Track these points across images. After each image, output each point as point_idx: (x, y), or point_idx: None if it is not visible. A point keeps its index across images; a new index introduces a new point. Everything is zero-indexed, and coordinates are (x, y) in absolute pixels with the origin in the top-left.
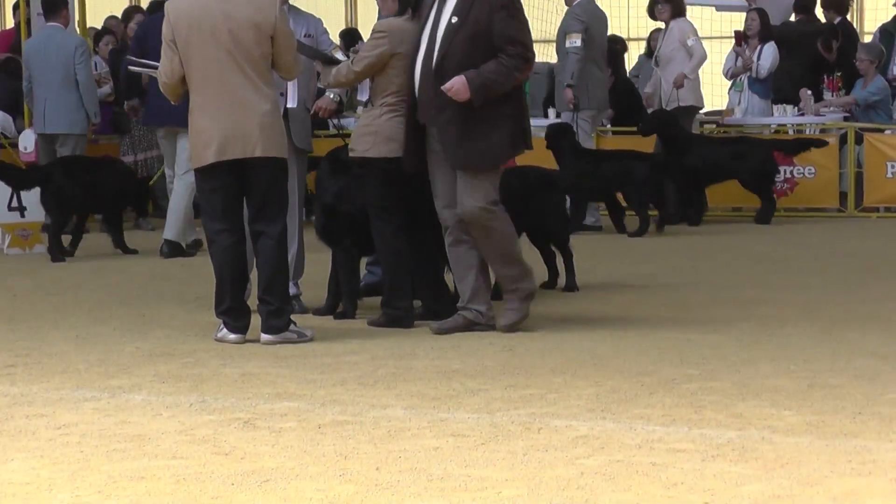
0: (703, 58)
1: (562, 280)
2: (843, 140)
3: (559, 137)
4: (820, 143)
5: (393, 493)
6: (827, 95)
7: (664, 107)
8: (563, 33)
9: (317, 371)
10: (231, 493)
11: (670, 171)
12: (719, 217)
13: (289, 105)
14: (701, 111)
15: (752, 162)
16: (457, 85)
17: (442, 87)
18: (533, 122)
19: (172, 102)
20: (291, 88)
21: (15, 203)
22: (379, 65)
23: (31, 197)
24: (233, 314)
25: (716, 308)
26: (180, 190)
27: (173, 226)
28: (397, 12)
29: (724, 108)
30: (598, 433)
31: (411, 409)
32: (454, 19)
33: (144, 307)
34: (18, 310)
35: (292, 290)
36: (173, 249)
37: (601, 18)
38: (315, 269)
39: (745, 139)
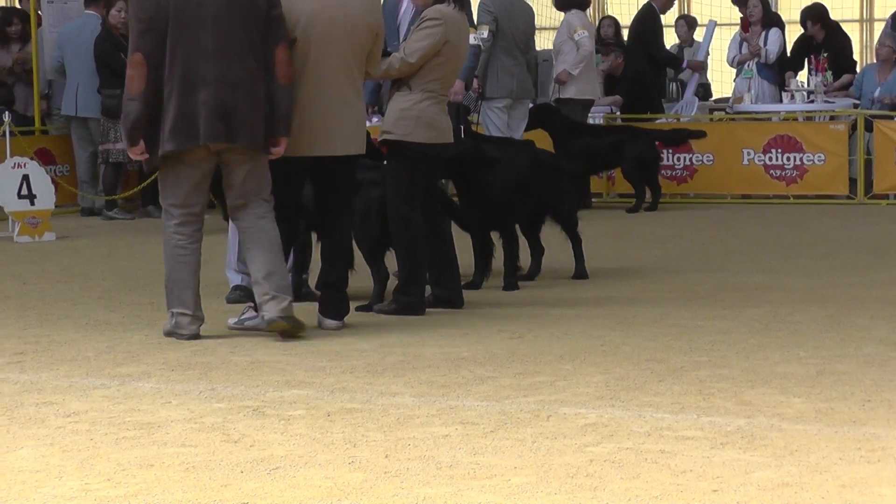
0: (588, 53)
1: (563, 265)
2: (852, 127)
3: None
4: (698, 135)
5: (402, 480)
6: (814, 76)
7: (549, 97)
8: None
9: (325, 359)
10: (240, 480)
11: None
12: (727, 203)
13: None
14: (710, 99)
15: (633, 151)
16: None
17: None
18: None
19: None
20: None
21: (25, 191)
22: (433, 54)
23: (41, 185)
24: None
25: (725, 294)
26: None
27: None
28: (436, 0)
29: (728, 95)
30: (607, 421)
31: (420, 397)
32: None
33: (153, 295)
34: (28, 297)
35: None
36: None
37: (517, 9)
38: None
39: (629, 128)
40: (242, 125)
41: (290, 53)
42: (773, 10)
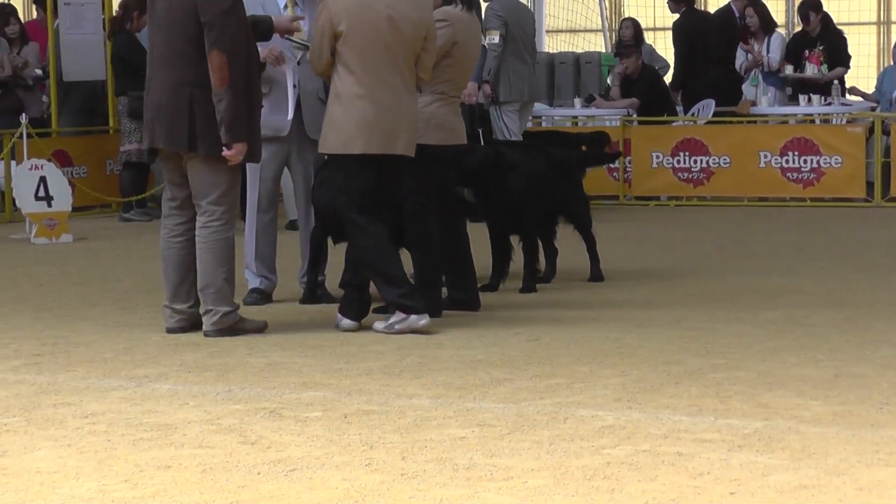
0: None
1: (578, 267)
2: (870, 130)
3: None
4: (612, 158)
5: (419, 482)
6: (810, 69)
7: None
8: (484, 30)
9: (342, 360)
10: (257, 482)
11: None
12: (743, 206)
13: (289, 117)
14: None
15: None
16: None
17: None
18: (560, 111)
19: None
20: (291, 101)
21: (42, 192)
22: (441, 55)
23: (58, 187)
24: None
25: (741, 297)
26: None
27: None
28: (444, 2)
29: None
30: (624, 423)
31: (437, 399)
32: None
33: None
34: (45, 299)
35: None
36: None
37: (522, 12)
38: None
39: (557, 133)
40: (164, 129)
41: (223, 59)
42: (783, 13)
